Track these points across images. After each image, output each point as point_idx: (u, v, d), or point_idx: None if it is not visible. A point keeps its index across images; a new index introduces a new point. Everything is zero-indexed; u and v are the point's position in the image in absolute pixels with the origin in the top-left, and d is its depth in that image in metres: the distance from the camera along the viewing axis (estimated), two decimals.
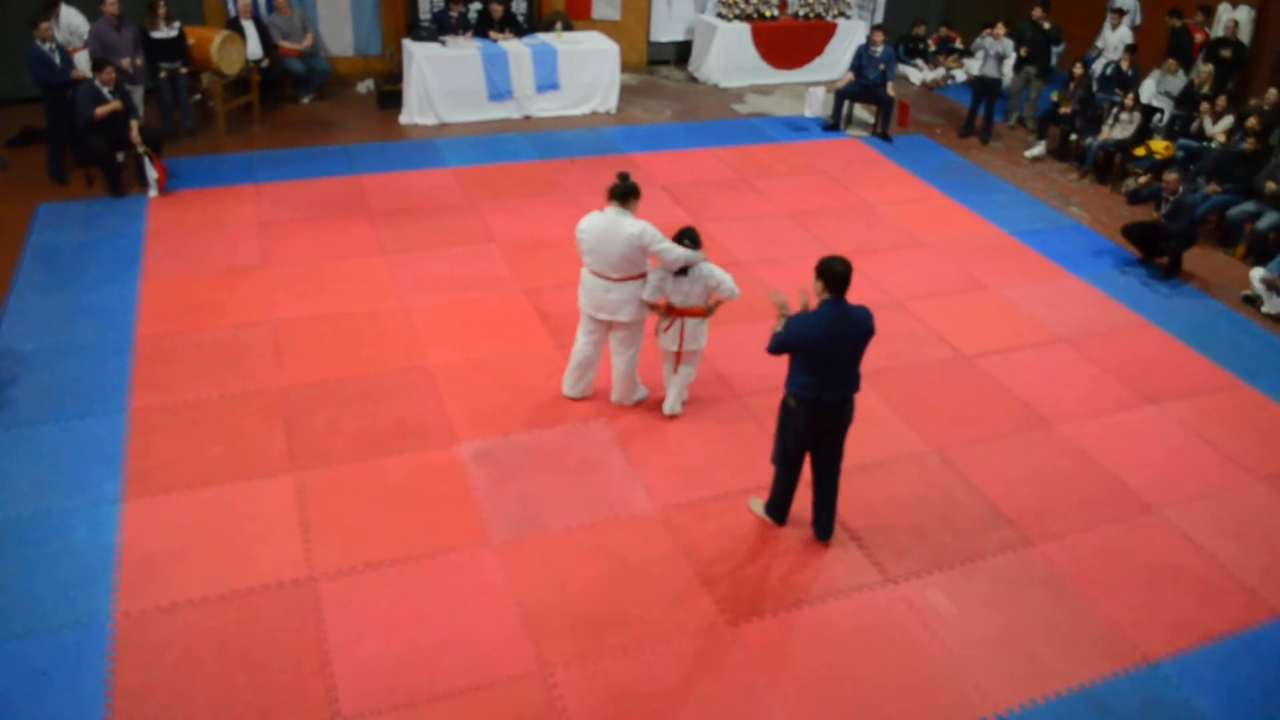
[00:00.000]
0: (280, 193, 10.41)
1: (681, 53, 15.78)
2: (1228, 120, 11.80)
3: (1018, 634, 5.67)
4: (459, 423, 7.07)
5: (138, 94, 10.77)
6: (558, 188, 10.97)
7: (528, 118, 13.07)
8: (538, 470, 6.67)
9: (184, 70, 11.34)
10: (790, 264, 9.60)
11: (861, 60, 13.18)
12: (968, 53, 16.02)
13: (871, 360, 6.19)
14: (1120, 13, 14.31)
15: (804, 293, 5.80)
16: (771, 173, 11.84)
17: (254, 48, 12.08)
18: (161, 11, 11.04)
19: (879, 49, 13.02)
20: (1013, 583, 6.03)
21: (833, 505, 6.10)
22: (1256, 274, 9.53)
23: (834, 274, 5.49)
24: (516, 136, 12.44)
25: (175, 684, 5.01)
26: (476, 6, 13.35)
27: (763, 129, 13.31)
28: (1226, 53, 13.10)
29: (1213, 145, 11.48)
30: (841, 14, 15.50)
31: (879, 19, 16.14)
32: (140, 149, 10.02)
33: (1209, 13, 13.94)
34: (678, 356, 7.03)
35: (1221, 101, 12.00)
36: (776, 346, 5.65)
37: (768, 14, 15.10)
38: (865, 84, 13.15)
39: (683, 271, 6.68)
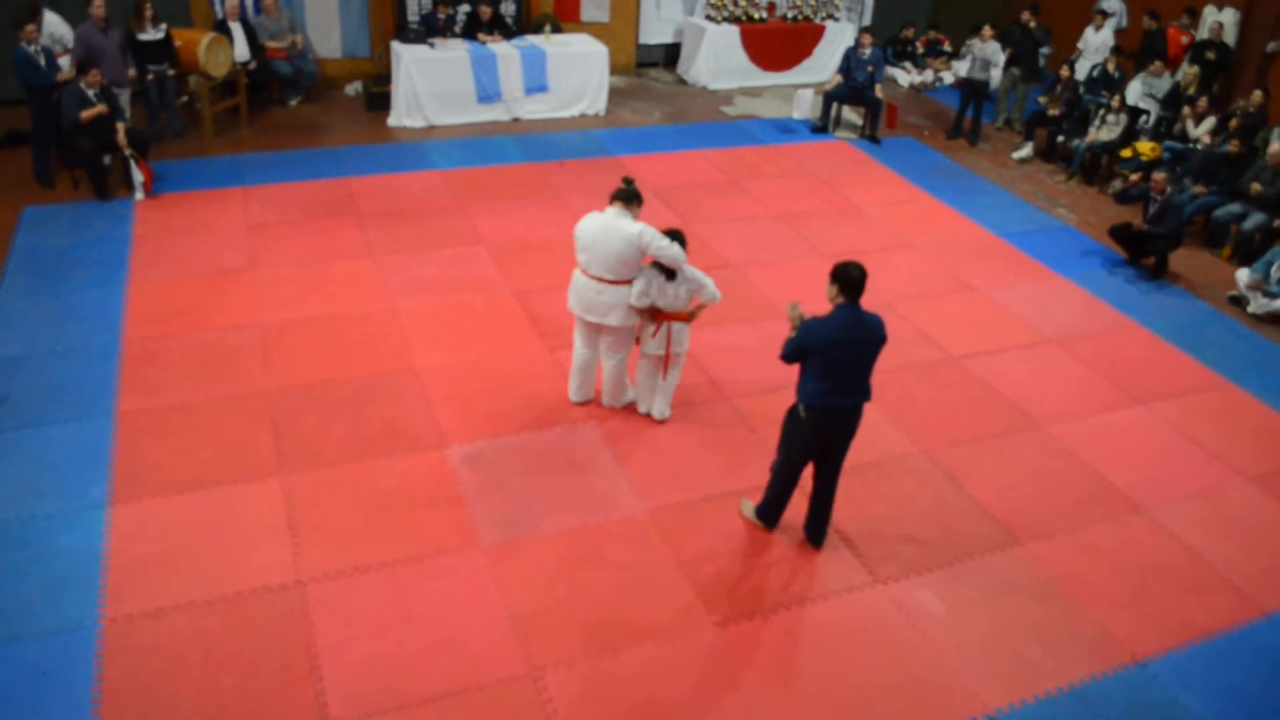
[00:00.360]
0: (268, 195, 10.38)
1: (670, 55, 15.79)
2: (1210, 122, 11.86)
3: (1007, 634, 5.68)
4: (448, 425, 7.06)
5: (124, 96, 10.73)
6: (546, 190, 10.97)
7: (516, 120, 13.06)
8: (527, 473, 6.66)
9: (171, 72, 11.30)
10: (779, 266, 9.61)
11: (850, 62, 13.21)
12: (956, 55, 16.07)
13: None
14: (1105, 15, 14.38)
15: (795, 306, 5.78)
16: (760, 175, 11.86)
17: (241, 50, 12.03)
18: (148, 14, 10.99)
19: (867, 51, 13.05)
20: (1001, 583, 6.05)
21: (828, 513, 6.10)
22: (1242, 274, 9.58)
23: (849, 279, 5.46)
24: (505, 139, 12.43)
25: (163, 689, 4.99)
26: (465, 8, 13.34)
27: (751, 131, 13.33)
28: (1211, 55, 13.16)
29: (1198, 147, 11.53)
30: (830, 16, 15.53)
31: (867, 21, 16.17)
32: (127, 152, 9.98)
33: (1194, 15, 14.00)
34: (665, 361, 7.02)
35: (1203, 103, 12.07)
36: (790, 352, 5.61)
37: (756, 16, 15.12)
38: (854, 86, 13.18)
39: (670, 276, 6.67)
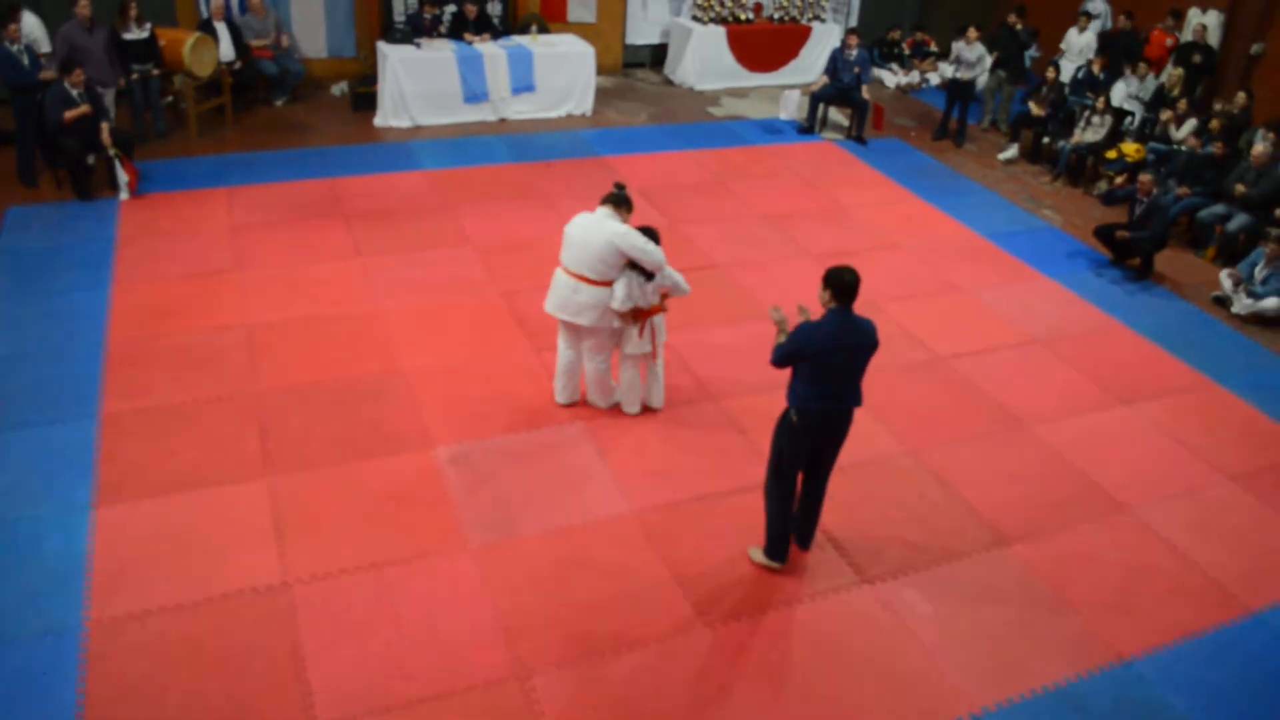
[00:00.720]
0: (253, 196, 10.35)
1: (657, 55, 15.80)
2: (1191, 124, 11.93)
3: (993, 633, 5.70)
4: (435, 426, 7.05)
5: (109, 96, 10.68)
6: (533, 191, 10.96)
7: (503, 120, 13.04)
8: (514, 474, 6.66)
9: (155, 72, 11.26)
10: (766, 266, 9.62)
11: (836, 63, 13.24)
12: (942, 56, 16.11)
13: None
14: (1089, 16, 14.43)
15: (803, 310, 5.75)
16: (747, 175, 11.87)
17: (226, 49, 11.99)
18: (133, 13, 10.94)
19: (854, 52, 13.08)
20: (988, 583, 6.06)
21: (816, 516, 6.08)
22: (1226, 275, 9.62)
23: (842, 283, 5.44)
24: (492, 139, 12.42)
25: (148, 692, 4.96)
26: (451, 8, 13.32)
27: (738, 132, 13.34)
28: (1197, 58, 13.23)
29: (1183, 149, 11.59)
30: (816, 17, 15.56)
31: (854, 23, 16.21)
32: (111, 152, 9.93)
33: (1179, 17, 14.07)
34: (651, 356, 7.05)
35: (1183, 105, 12.14)
36: (781, 357, 5.55)
37: (743, 17, 15.14)
38: (840, 87, 13.20)
39: (649, 276, 6.69)
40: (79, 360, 7.51)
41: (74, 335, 7.81)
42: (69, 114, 9.66)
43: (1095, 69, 13.25)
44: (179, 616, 5.39)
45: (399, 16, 13.49)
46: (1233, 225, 10.39)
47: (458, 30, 13.13)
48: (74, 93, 9.72)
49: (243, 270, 8.90)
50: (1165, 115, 12.22)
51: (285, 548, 5.89)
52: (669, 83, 15.28)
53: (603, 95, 14.04)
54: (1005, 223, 11.15)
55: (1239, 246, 10.36)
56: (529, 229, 9.94)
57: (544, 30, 13.93)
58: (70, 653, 5.14)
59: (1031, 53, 14.80)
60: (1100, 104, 12.29)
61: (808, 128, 13.46)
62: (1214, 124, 11.39)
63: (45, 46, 10.53)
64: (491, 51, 12.80)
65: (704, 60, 14.93)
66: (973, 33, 13.25)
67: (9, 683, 4.97)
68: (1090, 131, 12.30)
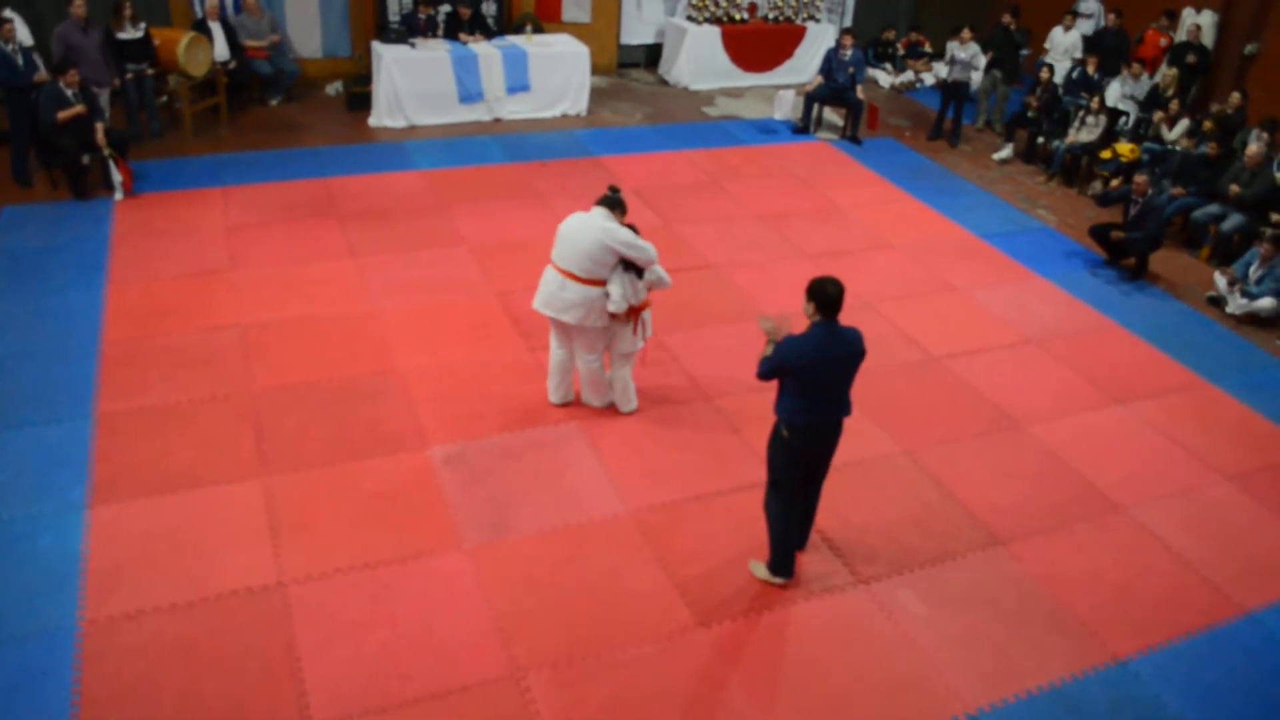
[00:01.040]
0: (248, 195, 10.33)
1: (651, 55, 15.80)
2: (1183, 124, 11.95)
3: (988, 633, 5.71)
4: (430, 426, 7.04)
5: (104, 96, 10.66)
6: (528, 191, 10.95)
7: (498, 120, 13.04)
8: (509, 473, 6.65)
9: (150, 72, 11.24)
10: (761, 266, 9.63)
11: (831, 63, 13.24)
12: (936, 56, 16.13)
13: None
14: (1077, 16, 14.43)
15: (785, 319, 5.68)
16: (742, 175, 11.87)
17: (221, 49, 11.98)
18: (127, 13, 10.94)
19: (848, 52, 13.09)
20: (983, 583, 6.07)
21: (811, 520, 6.07)
22: (1220, 275, 9.64)
23: (826, 295, 5.30)
24: (486, 139, 12.41)
25: (143, 692, 4.95)
26: (446, 8, 13.31)
27: (733, 132, 13.34)
28: (1191, 58, 13.25)
29: (1177, 149, 11.61)
30: (811, 17, 15.56)
31: (848, 23, 16.22)
32: (106, 151, 9.92)
33: (1173, 17, 14.10)
34: (643, 353, 7.11)
35: (1174, 106, 12.16)
36: (767, 370, 5.44)
37: (737, 17, 15.14)
38: (835, 87, 13.21)
39: (640, 274, 6.70)
40: (74, 360, 7.50)
41: (69, 335, 7.80)
42: (63, 114, 9.65)
43: (1090, 69, 13.27)
44: (174, 616, 5.38)
45: (394, 16, 13.48)
46: (1227, 225, 10.41)
47: (452, 30, 13.11)
48: (69, 92, 9.70)
49: (238, 270, 8.89)
50: (1158, 116, 12.25)
51: (280, 547, 5.89)
52: (664, 83, 15.28)
53: (597, 95, 14.05)
54: (1000, 222, 11.16)
55: (1233, 246, 10.39)
56: (524, 229, 9.94)
57: (539, 30, 13.93)
58: (65, 652, 5.13)
59: (1024, 53, 14.82)
60: (1095, 104, 12.31)
61: (802, 128, 13.47)
62: (1207, 124, 11.41)
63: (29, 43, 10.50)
64: (486, 51, 12.79)
65: (699, 60, 14.94)
66: (967, 33, 13.27)
67: (3, 683, 4.96)
68: (1085, 131, 12.32)
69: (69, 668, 5.05)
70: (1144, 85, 13.06)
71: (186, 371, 7.44)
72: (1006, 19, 13.66)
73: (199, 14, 12.30)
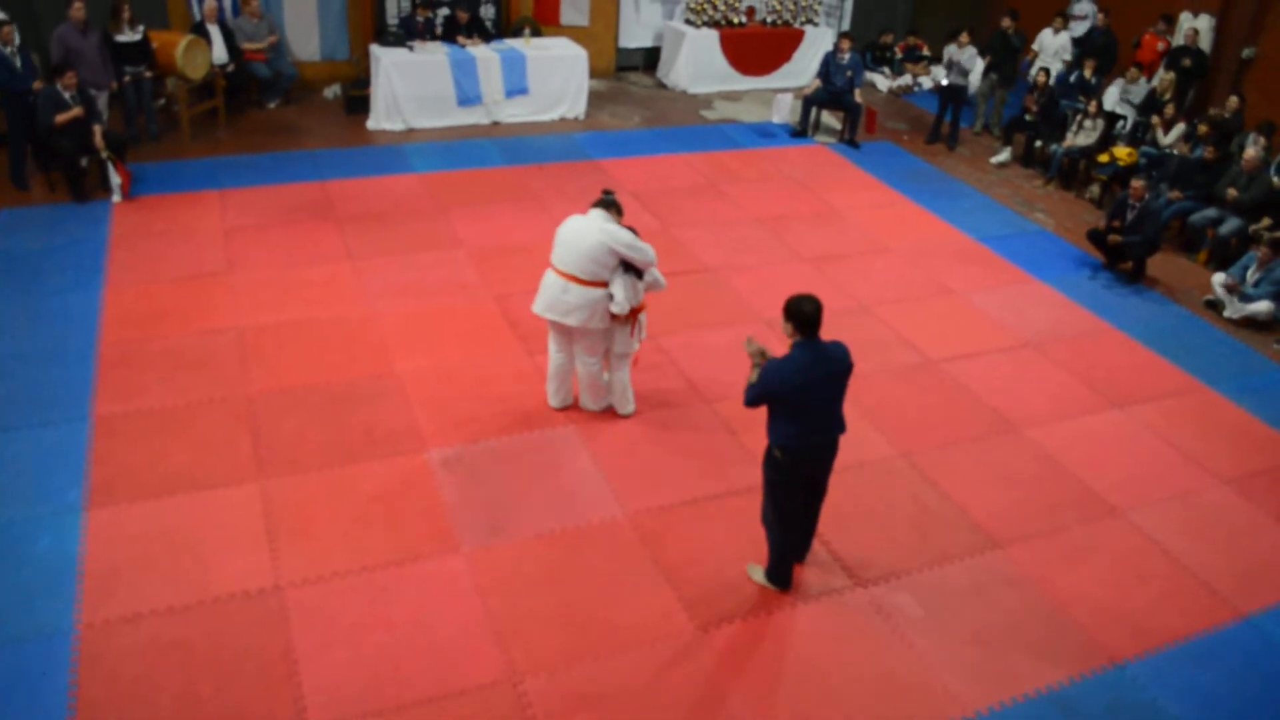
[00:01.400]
0: (246, 198, 10.33)
1: (650, 59, 15.80)
2: (1179, 129, 11.97)
3: (986, 637, 5.70)
4: (427, 429, 7.04)
5: (102, 99, 10.66)
6: (526, 194, 10.95)
7: (496, 123, 13.03)
8: (506, 477, 6.65)
9: (148, 74, 11.24)
10: (759, 270, 9.63)
11: (829, 67, 13.25)
12: (934, 60, 16.15)
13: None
14: (1067, 18, 14.42)
15: (752, 340, 5.53)
16: (740, 179, 11.88)
17: (219, 52, 11.98)
18: (125, 15, 10.94)
19: (846, 56, 13.10)
20: (980, 586, 6.07)
21: (812, 533, 6.01)
22: (1218, 279, 9.66)
23: (803, 315, 5.16)
24: (484, 142, 12.41)
25: (140, 696, 4.95)
26: (444, 11, 13.31)
27: (731, 135, 13.35)
28: (1187, 61, 13.27)
29: (1174, 152, 11.63)
30: (809, 21, 15.57)
31: (846, 26, 16.23)
32: (104, 154, 9.91)
33: (1170, 21, 14.12)
34: (635, 355, 7.14)
35: (1169, 110, 12.17)
36: (753, 399, 5.34)
37: (736, 21, 15.15)
38: (833, 91, 13.22)
39: (640, 275, 6.71)
40: (71, 362, 7.49)
41: (66, 337, 7.79)
42: (61, 116, 9.65)
43: (1087, 72, 13.28)
44: (171, 619, 5.38)
45: (392, 19, 13.48)
46: (1224, 229, 10.42)
47: (450, 33, 13.12)
48: (66, 95, 9.70)
49: (235, 273, 8.89)
50: (1154, 121, 12.26)
51: (278, 550, 5.88)
52: (662, 86, 15.28)
53: (596, 98, 14.05)
54: (998, 226, 11.17)
55: (1231, 250, 10.40)
56: (522, 232, 9.94)
57: (537, 33, 13.93)
58: (62, 655, 5.13)
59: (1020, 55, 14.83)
60: (1092, 108, 12.33)
61: (800, 131, 13.48)
62: (1202, 128, 11.43)
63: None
64: (484, 54, 12.79)
65: (697, 64, 14.95)
66: (964, 37, 13.28)
67: (1, 685, 4.95)
68: (1082, 135, 12.34)
69: (66, 670, 5.05)
70: (1141, 89, 13.07)
71: (184, 374, 7.44)
72: (1006, 22, 13.67)
73: (197, 17, 12.30)
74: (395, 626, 5.44)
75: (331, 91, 13.55)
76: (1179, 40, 13.82)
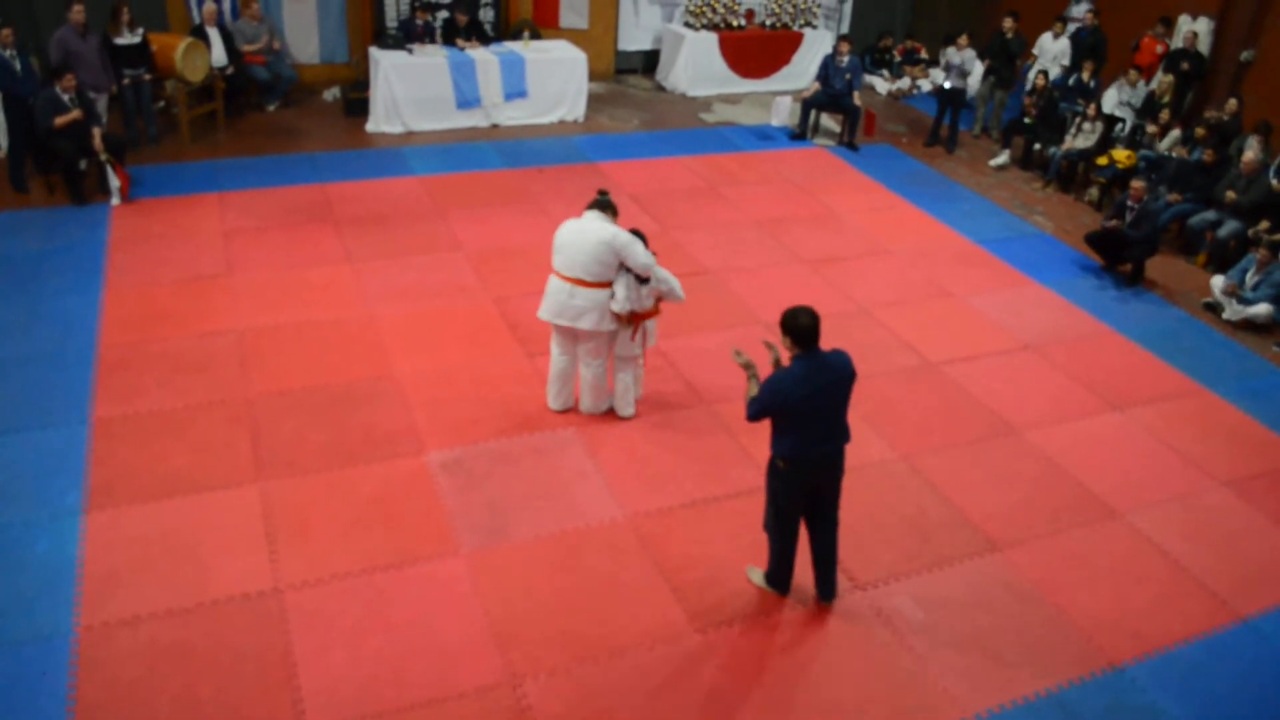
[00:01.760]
0: (245, 201, 10.33)
1: (649, 62, 15.81)
2: (1174, 135, 11.98)
3: (985, 639, 5.70)
4: (427, 432, 7.04)
5: (101, 101, 10.66)
6: (525, 196, 10.96)
7: (495, 126, 13.04)
8: (506, 479, 6.65)
9: (147, 77, 11.24)
10: (758, 272, 9.63)
11: (828, 70, 13.26)
12: (932, 63, 16.16)
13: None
14: (1065, 23, 14.44)
15: (773, 347, 5.46)
16: (739, 181, 11.88)
17: (219, 55, 11.98)
18: (125, 18, 10.94)
19: (845, 59, 13.11)
20: (980, 588, 6.07)
21: (833, 563, 5.76)
22: (1217, 281, 9.66)
23: (799, 328, 5.10)
24: (484, 145, 12.41)
25: (138, 698, 4.94)
26: (443, 14, 13.32)
27: (730, 138, 13.36)
28: (1186, 65, 13.28)
29: (1173, 155, 11.64)
30: (808, 24, 15.58)
31: (845, 29, 16.24)
32: (103, 156, 9.91)
33: (1169, 24, 14.14)
34: (640, 359, 7.12)
35: (1165, 116, 12.19)
36: (755, 413, 5.26)
37: (735, 24, 15.16)
38: (832, 93, 13.22)
39: (644, 280, 6.71)
40: (70, 365, 7.49)
41: (65, 340, 7.79)
42: (60, 119, 9.65)
43: (1085, 75, 13.29)
44: (170, 622, 5.37)
45: (391, 22, 13.47)
46: (1223, 231, 10.43)
47: (450, 36, 13.12)
48: (65, 97, 9.70)
49: (234, 275, 8.89)
50: (1151, 129, 12.28)
51: (277, 553, 5.88)
52: (661, 89, 15.29)
53: (595, 101, 14.05)
54: (997, 229, 11.17)
55: (1230, 253, 10.40)
56: (521, 234, 9.94)
57: (536, 36, 13.93)
58: (61, 658, 5.12)
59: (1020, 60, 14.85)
60: (1091, 110, 12.34)
61: (800, 134, 13.49)
62: (1199, 132, 11.44)
63: None
64: (484, 57, 12.80)
65: (696, 66, 14.95)
66: (963, 39, 13.29)
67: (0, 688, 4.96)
68: (1081, 138, 12.35)
69: (65, 673, 5.04)
70: (1140, 92, 13.09)
71: (183, 376, 7.43)
72: (1007, 24, 13.69)
73: (196, 20, 12.30)
74: (394, 629, 5.44)
75: (331, 94, 13.56)
76: (1177, 43, 13.83)
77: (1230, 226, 10.40)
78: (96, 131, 9.89)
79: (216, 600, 5.53)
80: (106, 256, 9.05)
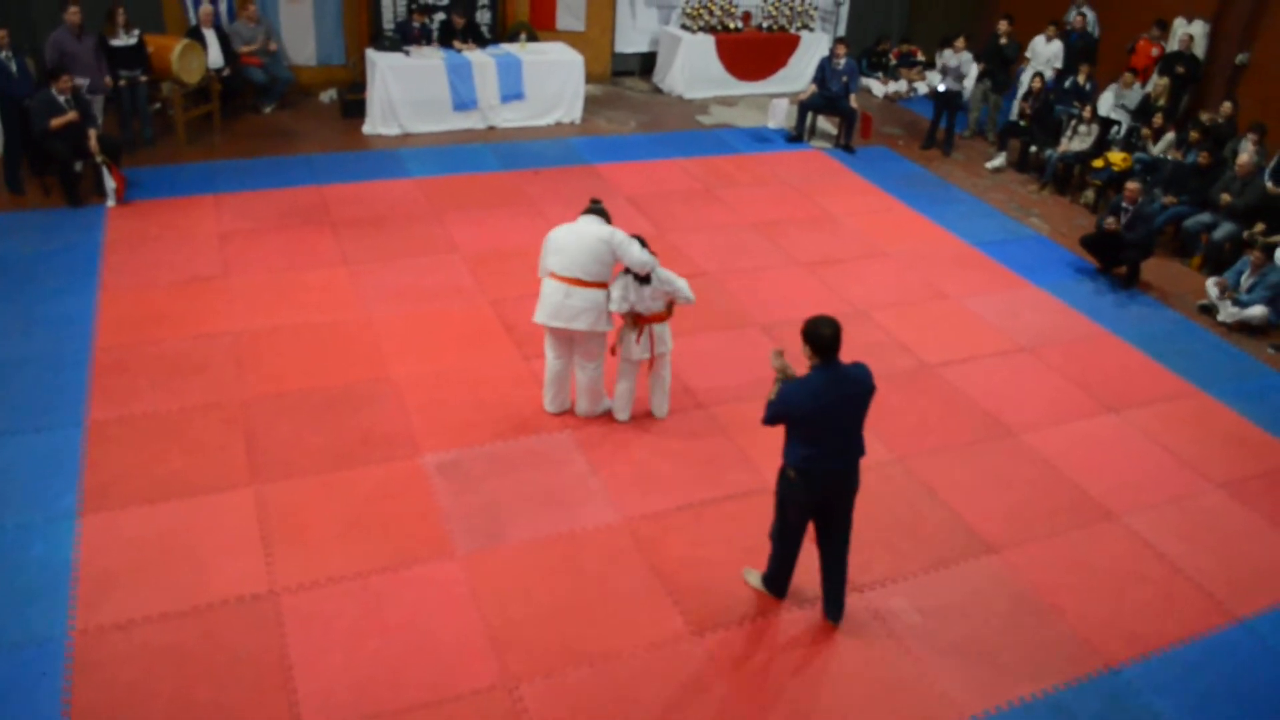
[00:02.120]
0: (241, 203, 10.32)
1: (646, 64, 15.82)
2: (1169, 138, 12.00)
3: (982, 641, 5.70)
4: (423, 434, 7.03)
5: (97, 103, 10.65)
6: (522, 198, 10.95)
7: (492, 128, 13.04)
8: (502, 482, 6.64)
9: (144, 78, 11.22)
10: (755, 274, 9.63)
11: (824, 72, 13.27)
12: (929, 66, 16.17)
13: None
14: (1059, 26, 14.43)
15: (780, 355, 5.36)
16: (736, 183, 11.89)
17: (215, 56, 11.98)
18: (120, 19, 10.93)
19: (841, 61, 13.12)
20: (977, 590, 6.07)
21: (842, 583, 5.66)
22: (1212, 284, 9.67)
23: (820, 338, 5.04)
24: (480, 147, 12.41)
25: (134, 702, 4.93)
26: (440, 16, 13.32)
27: (727, 140, 13.36)
28: (1181, 68, 13.30)
29: (1168, 158, 11.66)
30: (805, 27, 15.60)
31: (841, 32, 16.25)
32: (99, 158, 9.90)
33: (1164, 27, 14.15)
34: (652, 362, 7.07)
35: (1158, 120, 12.20)
36: (770, 417, 5.20)
37: (732, 26, 15.18)
38: (828, 96, 13.23)
39: (645, 280, 6.70)
40: (65, 367, 7.47)
41: (60, 342, 7.77)
42: (56, 121, 9.64)
43: (1081, 78, 13.31)
44: (165, 625, 5.36)
45: (388, 24, 13.47)
46: (1218, 234, 10.44)
47: (446, 38, 13.13)
48: (61, 99, 9.69)
49: (230, 277, 8.87)
50: (1145, 133, 12.29)
51: (272, 556, 5.87)
52: (658, 91, 15.30)
53: (592, 103, 14.05)
54: (993, 231, 11.18)
55: (1225, 255, 10.42)
56: (517, 237, 9.93)
57: (533, 38, 13.94)
58: (56, 661, 5.11)
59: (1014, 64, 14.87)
60: (1087, 113, 12.36)
61: (796, 136, 13.49)
62: (1193, 135, 11.45)
63: None
64: (480, 59, 12.80)
65: (693, 69, 14.96)
66: (960, 42, 13.31)
67: None
68: (1077, 140, 12.36)
69: (59, 677, 5.03)
70: (1135, 94, 13.11)
71: (179, 379, 7.42)
72: (1002, 26, 13.69)
73: (193, 21, 12.30)
74: (390, 632, 5.43)
75: (327, 96, 13.55)
76: (1173, 46, 13.85)
77: (1225, 229, 10.41)
78: (92, 133, 9.88)
79: (212, 603, 5.52)
80: (102, 258, 9.04)
